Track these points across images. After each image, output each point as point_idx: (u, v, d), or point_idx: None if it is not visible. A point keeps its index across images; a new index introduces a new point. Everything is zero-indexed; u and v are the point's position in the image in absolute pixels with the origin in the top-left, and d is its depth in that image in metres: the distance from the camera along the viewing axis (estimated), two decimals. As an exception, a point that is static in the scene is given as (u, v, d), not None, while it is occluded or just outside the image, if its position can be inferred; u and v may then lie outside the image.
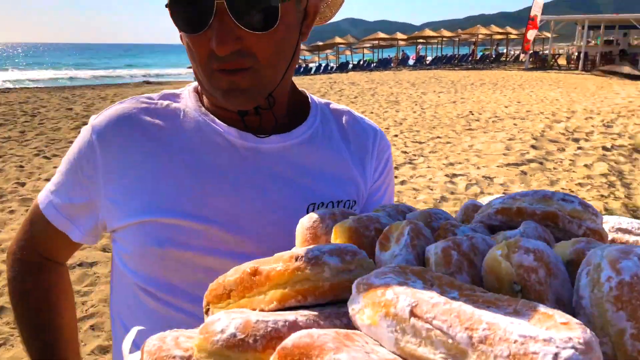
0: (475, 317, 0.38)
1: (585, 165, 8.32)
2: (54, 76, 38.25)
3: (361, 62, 38.54)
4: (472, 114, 13.21)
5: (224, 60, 0.89)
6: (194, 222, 0.96)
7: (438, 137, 10.40)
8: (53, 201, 1.07)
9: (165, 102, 1.06)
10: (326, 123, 1.15)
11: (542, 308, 0.42)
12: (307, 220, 0.73)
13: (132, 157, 1.00)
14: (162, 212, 0.96)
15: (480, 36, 42.41)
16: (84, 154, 1.02)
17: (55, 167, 7.94)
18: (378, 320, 0.43)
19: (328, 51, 40.29)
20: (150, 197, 0.98)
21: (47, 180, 6.74)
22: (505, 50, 45.42)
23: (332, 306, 0.55)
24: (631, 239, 0.77)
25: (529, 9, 32.17)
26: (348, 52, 41.83)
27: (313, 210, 1.02)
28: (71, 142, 10.09)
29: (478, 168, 8.04)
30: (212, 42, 0.87)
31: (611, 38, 34.80)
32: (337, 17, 1.37)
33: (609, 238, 0.77)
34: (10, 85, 26.98)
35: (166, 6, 0.92)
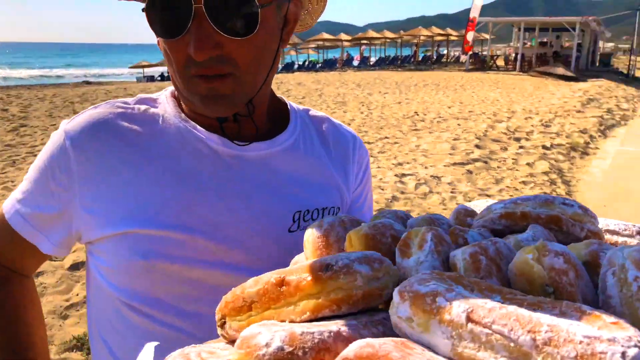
0: (534, 320, 0.39)
1: (528, 164, 8.68)
2: (-16, 76, 36.28)
3: (306, 63, 38.69)
4: (418, 115, 13.51)
5: (202, 65, 0.87)
6: (179, 233, 0.92)
7: (386, 137, 10.57)
8: (20, 210, 1.00)
9: (143, 107, 1.02)
10: (307, 130, 1.14)
11: (586, 309, 0.43)
12: (318, 228, 0.72)
13: (110, 164, 0.95)
14: (146, 223, 0.92)
15: (422, 37, 43.44)
16: (55, 161, 0.97)
17: (-9, 172, 7.53)
18: (431, 327, 0.43)
19: (273, 51, 40.09)
20: (132, 207, 0.93)
21: (-15, 186, 6.40)
22: (446, 52, 46.71)
23: (363, 315, 0.55)
24: (619, 239, 0.81)
25: (468, 10, 33.24)
26: (293, 52, 41.89)
27: (299, 219, 1.02)
28: (8, 145, 9.61)
29: (426, 168, 8.23)
30: (190, 47, 0.85)
31: (545, 40, 36.44)
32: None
33: None
34: (-64, 86, 25.39)
35: (143, 10, 0.89)
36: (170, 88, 1.08)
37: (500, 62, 36.40)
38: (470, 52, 34.17)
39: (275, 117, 1.12)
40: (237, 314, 0.60)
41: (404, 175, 7.74)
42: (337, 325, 0.49)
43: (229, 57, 0.88)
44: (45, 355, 1.13)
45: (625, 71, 35.19)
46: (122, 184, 0.94)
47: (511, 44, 41.91)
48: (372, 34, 42.24)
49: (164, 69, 36.73)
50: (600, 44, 47.70)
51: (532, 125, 12.04)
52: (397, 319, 0.46)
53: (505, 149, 9.69)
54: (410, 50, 48.01)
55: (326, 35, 40.64)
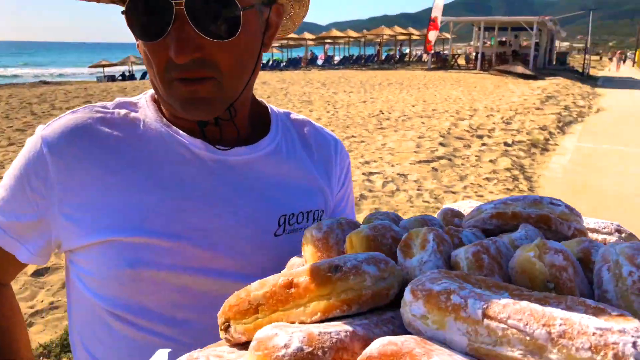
0: (547, 314, 0.42)
1: (490, 161, 8.88)
2: None
3: (270, 62, 38.57)
4: (383, 113, 13.64)
5: (183, 68, 0.86)
6: (165, 240, 0.91)
7: (352, 136, 10.64)
8: None
9: (123, 112, 1.00)
10: (288, 134, 1.14)
11: (591, 303, 0.46)
12: (317, 231, 0.73)
13: (91, 171, 0.93)
14: (131, 230, 0.91)
15: (384, 37, 43.86)
16: (32, 168, 0.94)
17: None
18: (447, 324, 0.45)
19: (237, 50, 39.87)
20: (115, 215, 0.91)
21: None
22: (408, 51, 47.28)
23: (372, 314, 0.56)
24: (599, 237, 0.85)
25: (429, 10, 33.71)
26: (257, 52, 41.57)
27: (284, 222, 1.02)
28: (-37, 148, 9.25)
29: (392, 166, 8.32)
30: (171, 50, 0.84)
31: (504, 39, 37.32)
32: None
33: None
34: None
35: (123, 13, 0.88)
36: (150, 92, 1.07)
37: (461, 61, 37.12)
38: (432, 51, 34.70)
39: (256, 122, 1.12)
40: (243, 317, 0.61)
41: (371, 173, 7.81)
42: (352, 325, 0.51)
43: (210, 60, 0.87)
44: None
45: (580, 69, 36.37)
46: (105, 191, 0.92)
47: (471, 43, 42.74)
48: (335, 33, 42.41)
49: (124, 68, 36.10)
50: (557, 43, 49.18)
51: (494, 123, 12.31)
52: (412, 316, 0.48)
53: (469, 147, 9.89)
54: (374, 49, 48.41)
55: (290, 34, 40.57)
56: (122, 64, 36.48)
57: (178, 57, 0.84)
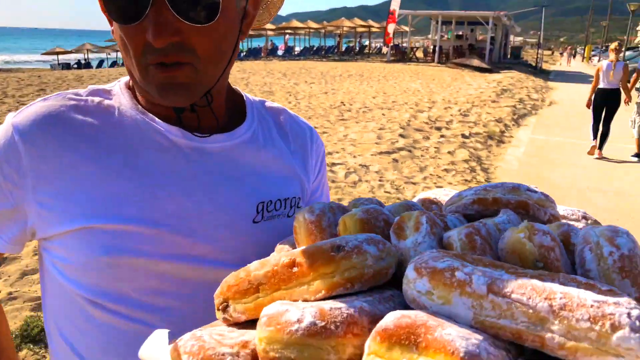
0: (548, 289, 0.45)
1: (449, 152, 9.07)
2: None
3: (230, 51, 38.04)
4: (344, 105, 13.71)
5: (160, 52, 0.86)
6: (142, 227, 0.91)
7: (315, 127, 10.56)
8: None
9: (97, 99, 0.99)
10: (264, 122, 1.15)
11: (581, 279, 0.49)
12: (310, 214, 0.75)
13: (66, 158, 0.92)
14: (107, 217, 0.90)
15: (344, 28, 43.97)
16: (4, 156, 0.92)
17: None
18: (453, 299, 0.48)
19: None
20: (91, 202, 0.91)
21: None
22: (368, 43, 47.56)
23: (373, 292, 0.58)
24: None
25: (388, 3, 33.99)
26: (216, 41, 40.98)
27: (263, 210, 1.03)
28: None
29: (354, 157, 8.40)
30: (149, 33, 0.84)
31: (461, 33, 38.02)
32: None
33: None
34: None
35: None
36: (124, 79, 1.06)
37: (419, 54, 37.63)
38: (391, 44, 35.03)
39: (232, 110, 1.12)
40: (243, 296, 0.62)
41: (334, 164, 7.86)
42: (359, 301, 0.53)
43: (188, 44, 0.87)
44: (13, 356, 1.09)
45: (533, 64, 37.42)
46: (80, 178, 0.91)
47: (429, 37, 43.36)
48: (296, 23, 42.23)
49: (80, 56, 34.96)
50: (511, 37, 50.41)
51: (452, 115, 12.57)
52: (416, 293, 0.50)
53: (428, 138, 10.07)
54: (334, 40, 48.48)
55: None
56: (77, 51, 35.31)
57: (156, 40, 0.83)
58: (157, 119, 0.99)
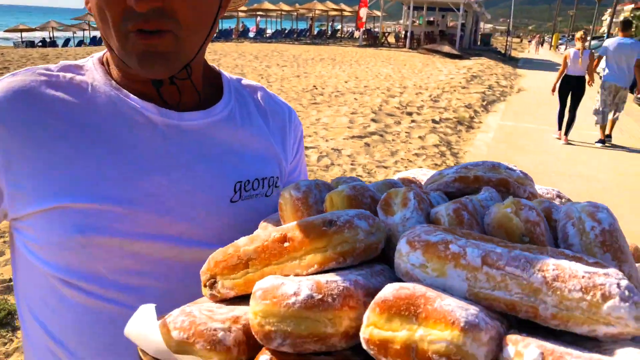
0: (540, 261, 0.46)
1: (420, 137, 9.15)
2: None
3: (200, 32, 37.42)
4: (316, 89, 13.66)
5: (141, 18, 0.83)
6: (117, 206, 0.89)
7: (287, 110, 10.58)
8: None
9: (68, 75, 0.96)
10: (241, 100, 1.13)
11: (568, 252, 0.51)
12: (296, 190, 0.75)
13: (37, 136, 0.89)
14: (80, 196, 0.88)
15: (317, 12, 43.63)
16: None
17: None
18: (447, 271, 0.48)
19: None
20: (64, 180, 0.88)
21: None
22: (340, 27, 47.37)
23: (364, 266, 0.59)
24: None
25: (361, -13, 33.84)
26: (186, 21, 40.25)
27: (240, 189, 1.02)
28: None
29: (327, 141, 8.39)
30: None
31: (432, 19, 38.18)
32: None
33: None
34: None
35: None
36: (96, 55, 1.03)
37: (391, 39, 37.68)
38: (364, 28, 34.97)
39: (209, 87, 1.10)
40: (231, 272, 0.62)
41: (306, 148, 7.85)
42: (354, 275, 0.53)
43: (170, 10, 0.85)
44: None
45: (502, 51, 37.91)
46: (52, 156, 0.89)
47: (401, 22, 43.44)
48: (267, 5, 41.72)
49: (45, 34, 33.84)
50: (481, 24, 50.92)
51: (423, 100, 12.65)
52: (410, 266, 0.51)
53: (399, 123, 10.13)
54: (306, 23, 48.14)
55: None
56: (42, 29, 34.22)
57: (138, 4, 0.81)
58: (131, 95, 0.96)
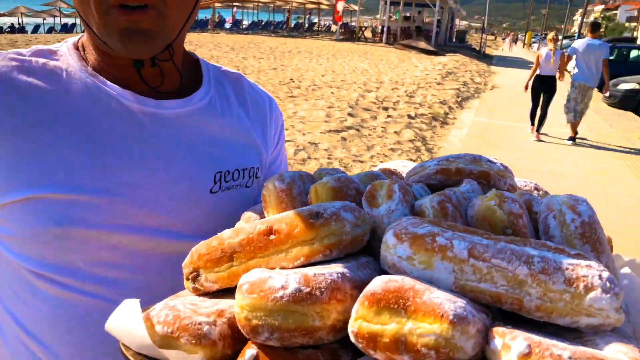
0: (525, 253, 0.46)
1: (395, 132, 9.21)
2: None
3: (175, 22, 36.91)
4: (293, 82, 13.61)
5: None
6: (95, 197, 0.87)
7: (263, 103, 10.52)
8: None
9: (42, 60, 0.93)
10: (221, 89, 1.11)
11: (550, 244, 0.51)
12: (280, 182, 0.74)
13: (10, 124, 0.86)
14: (56, 186, 0.86)
15: (294, 4, 43.42)
16: None
17: None
18: (434, 264, 0.49)
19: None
20: (39, 170, 0.86)
21: None
22: (317, 20, 47.26)
23: (350, 259, 0.59)
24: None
25: (338, -19, 33.76)
26: (161, 11, 39.63)
27: (220, 179, 1.01)
28: None
29: (304, 134, 8.38)
30: None
31: (408, 14, 38.36)
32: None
33: None
34: None
35: None
36: (71, 39, 1.00)
37: (368, 34, 37.71)
38: (341, 22, 34.95)
39: (188, 74, 1.07)
40: (215, 265, 0.61)
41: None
42: (340, 268, 0.53)
43: None
44: None
45: (477, 48, 38.33)
46: (26, 145, 0.86)
47: (378, 17, 43.55)
48: (244, -4, 41.34)
49: (13, 19, 32.90)
50: (457, 21, 51.38)
51: (398, 96, 12.72)
52: (397, 258, 0.51)
53: (375, 118, 10.17)
54: (283, 16, 47.89)
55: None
56: (10, 14, 33.30)
57: None
58: (108, 82, 0.94)
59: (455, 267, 0.48)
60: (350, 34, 36.17)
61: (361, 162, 7.34)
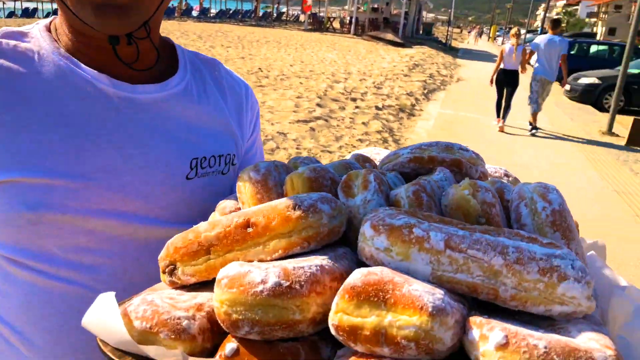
0: (500, 243, 0.47)
1: (363, 123, 9.25)
2: None
3: (140, 9, 36.11)
4: (262, 71, 13.50)
5: None
6: (70, 181, 0.85)
7: (231, 92, 10.41)
8: None
9: (12, 42, 0.90)
10: (198, 74, 1.09)
11: (524, 233, 0.53)
12: (255, 172, 0.74)
13: None
14: (29, 170, 0.84)
15: (262, -7, 43.00)
16: None
17: None
18: (411, 255, 0.49)
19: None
20: (11, 154, 0.84)
21: None
22: (285, 10, 46.94)
23: (327, 250, 0.59)
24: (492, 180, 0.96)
25: (306, -29, 33.59)
26: None
27: (196, 166, 1.00)
28: None
29: (272, 124, 8.34)
30: None
31: (376, 6, 38.48)
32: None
33: None
34: None
35: None
36: (42, 22, 0.97)
37: (336, 25, 37.69)
38: (309, 12, 34.81)
39: (164, 59, 1.06)
40: (192, 259, 0.60)
41: (251, 131, 7.76)
42: (319, 260, 0.53)
43: None
44: None
45: (444, 40, 38.75)
46: None
47: (346, 8, 43.54)
48: (210, -16, 40.70)
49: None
50: (424, 13, 51.77)
51: (366, 87, 12.77)
52: (375, 250, 0.51)
53: (343, 109, 10.19)
54: (251, 5, 47.35)
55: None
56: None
57: None
58: (82, 65, 0.91)
59: (432, 258, 0.49)
60: (319, 25, 36.08)
61: (330, 152, 7.36)
